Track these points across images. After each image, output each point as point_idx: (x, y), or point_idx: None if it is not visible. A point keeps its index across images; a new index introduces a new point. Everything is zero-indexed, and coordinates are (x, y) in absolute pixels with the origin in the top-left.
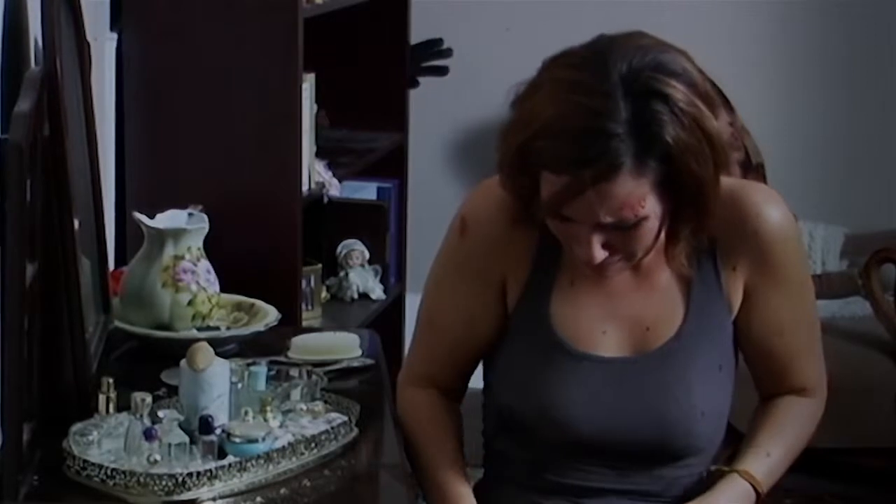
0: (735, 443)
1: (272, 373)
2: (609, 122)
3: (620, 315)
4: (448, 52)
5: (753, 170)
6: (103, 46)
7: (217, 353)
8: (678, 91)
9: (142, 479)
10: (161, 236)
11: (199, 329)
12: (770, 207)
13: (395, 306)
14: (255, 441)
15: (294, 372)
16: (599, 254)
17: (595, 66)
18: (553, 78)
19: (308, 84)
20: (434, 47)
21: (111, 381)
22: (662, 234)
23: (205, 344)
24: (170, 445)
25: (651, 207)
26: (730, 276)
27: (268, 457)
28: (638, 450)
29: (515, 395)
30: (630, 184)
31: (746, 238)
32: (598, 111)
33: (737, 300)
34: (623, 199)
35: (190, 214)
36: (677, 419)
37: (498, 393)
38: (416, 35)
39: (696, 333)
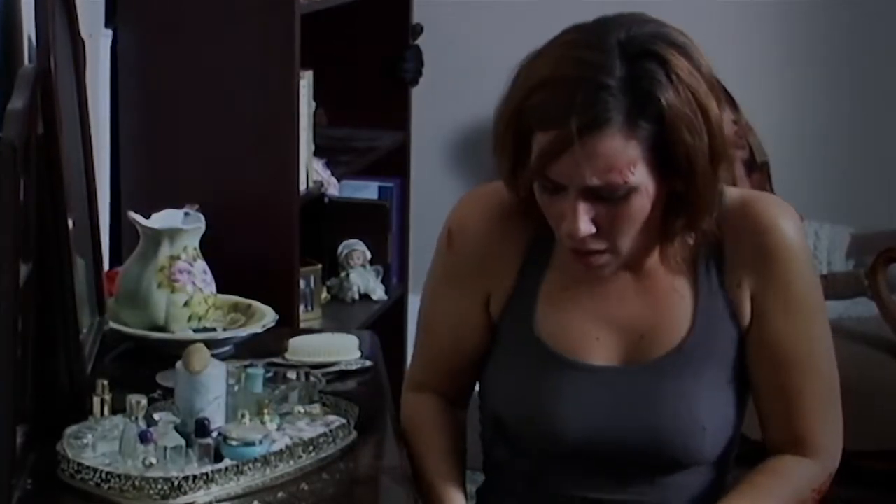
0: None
1: (269, 375)
2: (601, 74)
3: (616, 321)
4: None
5: (758, 168)
6: (98, 43)
7: (213, 355)
8: (677, 58)
9: (137, 483)
10: (157, 236)
11: (195, 330)
12: (785, 221)
13: (397, 307)
14: (252, 444)
15: (292, 374)
16: (586, 226)
17: (595, 31)
18: (552, 44)
19: (306, 81)
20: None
21: (106, 382)
22: (658, 249)
23: (201, 345)
24: (165, 448)
25: (641, 177)
26: (737, 292)
27: (265, 460)
28: (633, 459)
29: (503, 404)
30: (619, 142)
31: (756, 252)
32: (592, 63)
33: (745, 317)
34: (612, 160)
35: (186, 214)
36: (674, 432)
37: (488, 400)
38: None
39: (702, 348)
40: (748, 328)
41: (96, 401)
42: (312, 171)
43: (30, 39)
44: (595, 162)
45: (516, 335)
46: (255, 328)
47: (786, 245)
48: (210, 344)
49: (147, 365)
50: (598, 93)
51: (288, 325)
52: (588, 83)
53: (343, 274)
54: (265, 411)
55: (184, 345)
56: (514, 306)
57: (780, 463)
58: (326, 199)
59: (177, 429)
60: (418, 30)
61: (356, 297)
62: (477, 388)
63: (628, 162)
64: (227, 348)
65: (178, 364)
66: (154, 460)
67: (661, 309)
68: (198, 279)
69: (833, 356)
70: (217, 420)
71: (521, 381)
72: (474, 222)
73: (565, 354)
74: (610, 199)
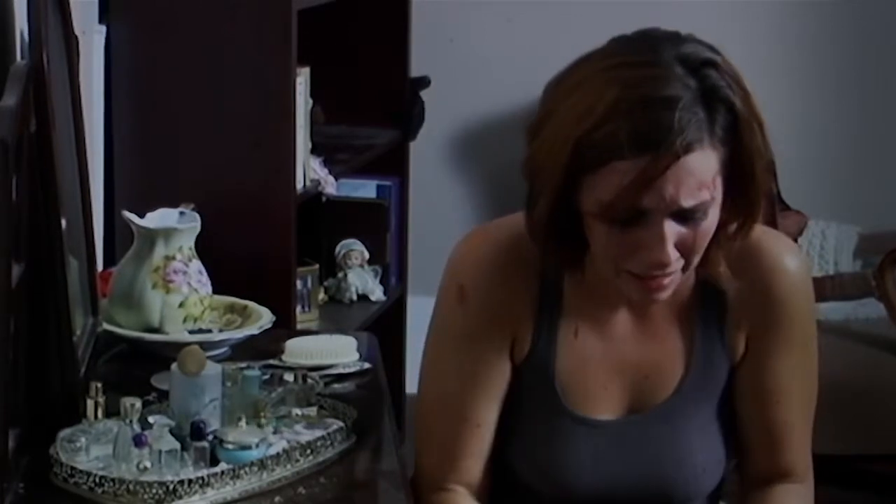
0: None
1: (266, 377)
2: (681, 89)
3: (623, 365)
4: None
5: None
6: (92, 40)
7: (209, 357)
8: (727, 64)
9: (131, 487)
10: (151, 236)
11: (190, 332)
12: (787, 260)
13: (395, 308)
14: (248, 447)
15: (289, 376)
16: (674, 252)
17: (644, 49)
18: (595, 69)
19: (303, 78)
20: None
21: (99, 385)
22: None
23: (196, 347)
24: (160, 452)
25: (718, 190)
26: (734, 330)
27: (261, 464)
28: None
29: (515, 454)
30: (708, 157)
31: (759, 292)
32: (668, 79)
33: (738, 353)
34: (702, 176)
35: (181, 213)
36: (677, 477)
37: (499, 447)
38: (417, 27)
39: (697, 389)
40: (740, 362)
41: (90, 403)
42: (309, 170)
43: (22, 35)
44: (689, 182)
45: (537, 386)
46: (252, 330)
47: (790, 286)
48: (205, 346)
49: (141, 367)
50: (686, 110)
51: (285, 327)
52: (674, 101)
53: (341, 274)
54: (262, 414)
55: (179, 346)
56: (536, 354)
57: (783, 495)
58: (324, 198)
59: (172, 432)
60: (426, 82)
61: (354, 297)
62: None
63: (713, 176)
64: (222, 350)
65: (173, 366)
66: (149, 464)
67: (662, 348)
68: (193, 280)
69: (816, 381)
70: (213, 423)
71: (537, 435)
72: (483, 269)
73: (577, 410)
74: (692, 217)
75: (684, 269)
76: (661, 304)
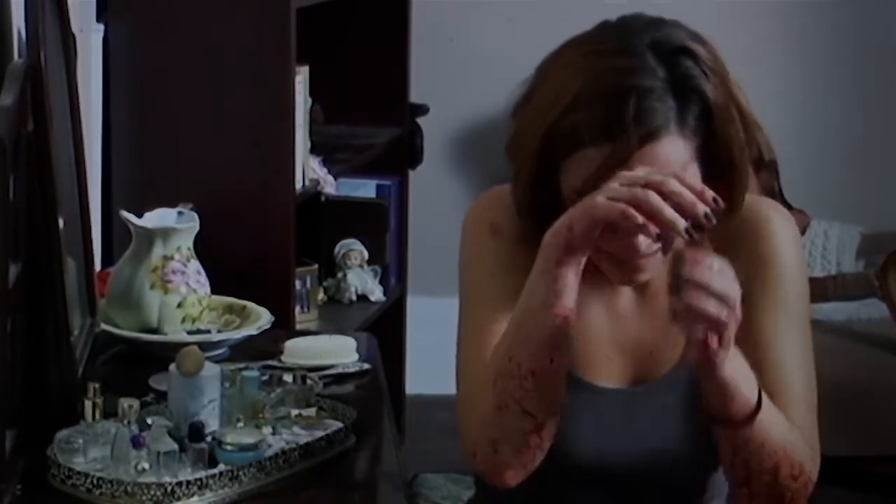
0: None
1: (265, 378)
2: (647, 79)
3: (625, 338)
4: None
5: (766, 166)
6: (89, 38)
7: (208, 358)
8: (703, 50)
9: (129, 489)
10: (149, 236)
11: (188, 332)
12: (782, 228)
13: (395, 308)
14: (247, 449)
15: (287, 377)
16: (644, 239)
17: (617, 37)
18: (571, 57)
19: (302, 77)
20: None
21: (97, 386)
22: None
23: (195, 348)
24: (158, 453)
25: (692, 177)
26: None
27: (260, 465)
28: (643, 480)
29: None
30: (675, 147)
31: (750, 257)
32: (633, 70)
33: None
34: (668, 166)
35: (179, 213)
36: (684, 452)
37: None
38: (417, 27)
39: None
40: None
41: (88, 404)
42: (309, 170)
43: (20, 34)
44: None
45: None
46: (251, 330)
47: (781, 252)
48: (204, 346)
49: (139, 368)
50: (649, 100)
51: (284, 327)
52: (637, 91)
53: (340, 274)
54: (260, 415)
55: (177, 347)
56: None
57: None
58: (323, 198)
59: (170, 433)
60: (424, 110)
61: (353, 297)
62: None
63: (683, 165)
64: (221, 350)
65: (172, 367)
66: (147, 465)
67: (663, 326)
68: (191, 280)
69: (813, 375)
70: (211, 424)
71: None
72: (512, 213)
73: (583, 375)
74: None
75: (664, 251)
76: (661, 279)
